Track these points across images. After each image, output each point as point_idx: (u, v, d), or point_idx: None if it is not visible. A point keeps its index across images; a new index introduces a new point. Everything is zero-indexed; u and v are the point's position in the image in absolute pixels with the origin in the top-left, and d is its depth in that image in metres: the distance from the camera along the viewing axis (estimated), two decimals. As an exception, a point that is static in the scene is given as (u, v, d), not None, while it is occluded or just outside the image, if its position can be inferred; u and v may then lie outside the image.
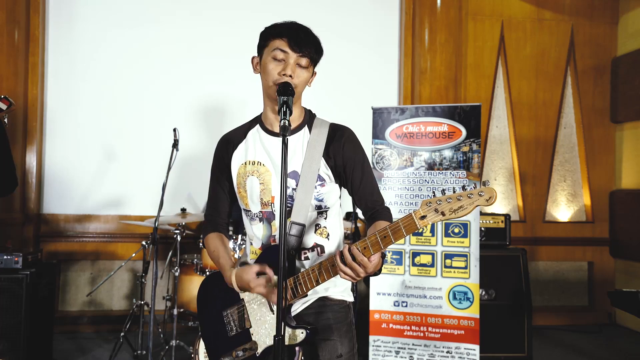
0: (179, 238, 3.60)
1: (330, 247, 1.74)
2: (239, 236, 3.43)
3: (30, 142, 4.51)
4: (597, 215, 5.19)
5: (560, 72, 5.21)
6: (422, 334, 3.27)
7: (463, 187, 1.42)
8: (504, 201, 5.14)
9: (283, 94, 1.54)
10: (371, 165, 3.33)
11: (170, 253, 3.90)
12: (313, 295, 1.71)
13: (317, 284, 1.58)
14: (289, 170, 1.68)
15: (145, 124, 4.66)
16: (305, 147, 1.70)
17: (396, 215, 3.31)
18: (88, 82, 4.64)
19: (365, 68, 4.92)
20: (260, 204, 1.73)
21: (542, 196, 5.17)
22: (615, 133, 5.25)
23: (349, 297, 1.78)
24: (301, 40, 1.64)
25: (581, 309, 5.18)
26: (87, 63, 4.65)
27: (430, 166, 3.34)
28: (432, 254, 3.30)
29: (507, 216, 4.04)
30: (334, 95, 4.63)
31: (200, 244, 3.72)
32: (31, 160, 4.51)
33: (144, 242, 3.69)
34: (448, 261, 3.27)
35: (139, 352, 3.67)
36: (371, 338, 3.34)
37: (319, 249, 1.72)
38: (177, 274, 3.55)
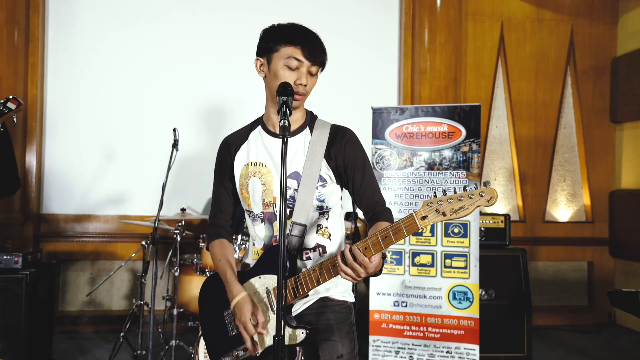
0: (178, 238, 3.60)
1: (332, 247, 1.74)
2: (239, 236, 3.43)
3: (30, 142, 4.51)
4: (597, 215, 5.19)
5: (560, 72, 5.21)
6: (421, 334, 3.27)
7: (464, 188, 1.42)
8: (504, 201, 5.14)
9: (283, 94, 1.54)
10: (371, 166, 3.34)
11: (170, 253, 3.90)
12: (314, 296, 1.71)
13: (318, 284, 1.58)
14: (290, 171, 1.68)
15: (145, 123, 4.65)
16: (307, 148, 1.71)
17: (396, 215, 3.30)
18: (88, 82, 4.64)
19: (365, 68, 4.92)
20: (262, 204, 1.74)
21: (542, 196, 5.18)
22: (615, 133, 5.25)
23: (350, 298, 1.79)
24: (315, 50, 1.65)
25: (581, 309, 5.18)
26: (87, 63, 4.65)
27: (430, 166, 3.34)
28: (432, 254, 3.30)
29: (506, 216, 4.04)
30: (334, 95, 4.62)
31: (200, 244, 3.72)
32: (31, 160, 4.51)
33: (143, 242, 3.69)
34: (448, 261, 3.27)
35: (138, 352, 3.67)
36: (371, 338, 3.34)
37: (320, 249, 1.72)
38: (177, 274, 3.55)
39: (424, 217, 1.43)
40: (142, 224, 3.79)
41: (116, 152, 4.63)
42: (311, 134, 1.73)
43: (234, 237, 3.43)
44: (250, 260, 1.80)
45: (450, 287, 3.25)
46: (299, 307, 1.71)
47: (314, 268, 1.58)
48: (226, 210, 1.86)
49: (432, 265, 3.29)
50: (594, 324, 4.96)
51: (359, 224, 3.93)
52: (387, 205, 1.77)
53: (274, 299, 1.66)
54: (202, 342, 3.11)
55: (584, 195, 5.23)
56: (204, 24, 4.75)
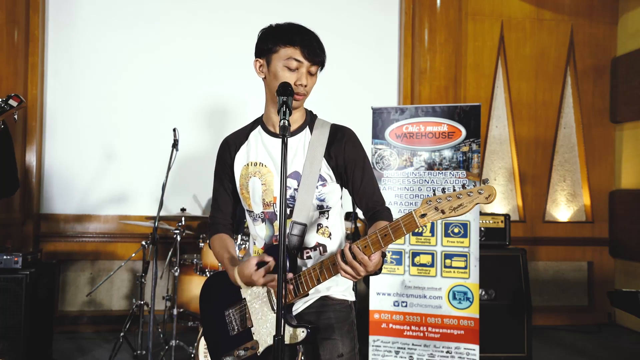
0: (178, 238, 3.60)
1: (332, 246, 1.74)
2: (239, 236, 3.43)
3: (30, 141, 4.51)
4: (597, 215, 5.19)
5: (560, 72, 5.21)
6: (421, 334, 3.27)
7: (463, 186, 1.42)
8: (504, 201, 5.15)
9: (283, 94, 1.55)
10: (371, 165, 3.34)
11: (170, 253, 3.90)
12: (315, 295, 1.71)
13: (318, 282, 1.58)
14: (290, 171, 1.69)
15: (145, 123, 4.66)
16: (307, 147, 1.71)
17: (396, 215, 3.31)
18: (88, 82, 4.64)
19: (365, 68, 4.92)
20: (263, 204, 1.74)
21: (542, 196, 5.18)
22: (615, 133, 5.25)
23: (351, 297, 1.79)
24: (314, 50, 1.65)
25: (581, 309, 5.18)
26: (87, 63, 4.65)
27: (430, 166, 3.34)
28: (432, 254, 3.30)
29: (506, 216, 4.04)
30: (333, 95, 4.62)
31: (200, 244, 3.72)
32: (31, 160, 4.51)
33: (143, 242, 3.69)
34: (448, 261, 3.27)
35: (138, 352, 3.67)
36: (371, 338, 3.34)
37: (321, 248, 1.72)
38: (176, 274, 3.55)
39: (423, 215, 1.43)
40: (142, 224, 3.79)
41: (116, 152, 4.63)
42: (311, 133, 1.73)
43: (234, 237, 3.44)
44: None
45: (450, 287, 3.25)
46: (299, 306, 1.71)
47: (314, 267, 1.59)
48: (226, 210, 1.86)
49: (432, 265, 3.29)
50: (594, 324, 4.96)
51: (358, 224, 3.94)
52: (387, 206, 1.78)
53: (274, 297, 1.66)
54: (202, 342, 3.11)
55: (584, 195, 5.23)
56: (204, 24, 4.75)
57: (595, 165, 5.21)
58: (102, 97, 4.65)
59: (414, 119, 3.40)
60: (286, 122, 1.47)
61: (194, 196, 4.66)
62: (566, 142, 5.25)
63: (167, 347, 3.52)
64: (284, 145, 1.45)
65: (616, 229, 5.11)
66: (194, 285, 3.62)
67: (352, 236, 3.70)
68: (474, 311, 3.20)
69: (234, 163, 1.80)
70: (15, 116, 2.58)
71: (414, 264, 3.32)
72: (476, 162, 3.28)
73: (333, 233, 1.75)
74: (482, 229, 3.95)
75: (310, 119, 1.78)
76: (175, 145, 3.29)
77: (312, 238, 1.72)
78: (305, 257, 1.71)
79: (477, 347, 3.18)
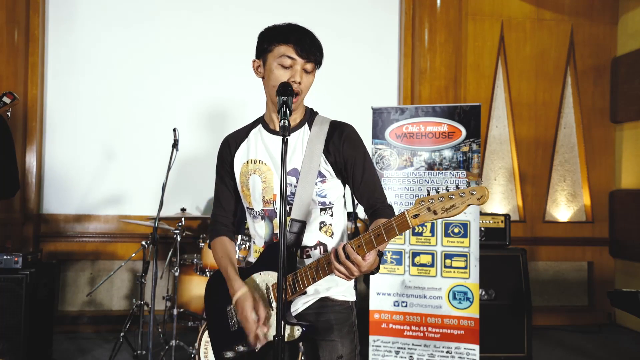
0: (178, 238, 3.60)
1: (333, 245, 1.74)
2: (239, 236, 3.42)
3: (30, 142, 4.51)
4: (597, 215, 5.19)
5: (560, 72, 5.21)
6: (422, 334, 3.27)
7: (457, 186, 1.42)
8: (504, 201, 5.15)
9: (283, 94, 1.55)
10: (372, 162, 3.34)
11: (170, 253, 3.90)
12: (315, 296, 1.71)
13: (314, 281, 1.58)
14: (289, 168, 1.68)
15: (145, 123, 4.66)
16: (305, 144, 1.71)
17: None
18: (88, 82, 4.64)
19: (365, 68, 4.92)
20: (263, 202, 1.74)
21: (542, 196, 5.18)
22: (615, 133, 5.25)
23: (352, 297, 1.78)
24: (308, 46, 1.65)
25: (581, 309, 5.18)
26: (87, 63, 4.65)
27: (430, 166, 3.34)
28: (432, 254, 3.30)
29: (507, 216, 4.04)
30: (333, 95, 4.62)
31: (200, 244, 3.71)
32: (31, 160, 4.51)
33: (143, 242, 3.68)
34: (448, 261, 3.27)
35: (138, 352, 3.67)
36: (371, 338, 3.34)
37: (321, 247, 1.71)
38: (177, 274, 3.55)
39: (415, 216, 1.43)
40: (142, 224, 3.79)
41: (116, 152, 4.63)
42: (310, 130, 1.73)
43: (234, 238, 3.43)
44: (252, 258, 1.81)
45: (450, 287, 3.25)
46: (299, 307, 1.71)
47: (310, 265, 1.59)
48: (228, 208, 1.86)
49: (432, 265, 3.29)
50: (594, 324, 4.96)
51: (359, 224, 3.94)
52: (389, 203, 1.76)
53: (272, 295, 1.67)
54: (202, 342, 3.12)
55: (584, 195, 5.23)
56: (205, 23, 4.75)
57: (595, 165, 5.21)
58: (102, 97, 4.65)
59: (414, 119, 3.40)
60: (286, 122, 1.47)
61: (194, 196, 4.66)
62: (566, 142, 5.25)
63: (167, 347, 3.52)
64: (284, 145, 1.46)
65: (616, 229, 5.11)
66: (194, 285, 3.62)
67: (352, 236, 3.68)
68: (474, 311, 3.20)
69: (234, 160, 1.81)
70: (9, 113, 2.59)
71: (414, 264, 3.32)
72: (476, 162, 3.28)
73: (335, 232, 1.75)
74: (482, 229, 3.95)
75: (310, 116, 1.78)
76: (175, 145, 3.29)
77: (314, 236, 1.71)
78: (304, 256, 1.70)
79: (477, 347, 3.18)
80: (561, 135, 5.24)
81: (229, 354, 1.73)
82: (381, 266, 3.32)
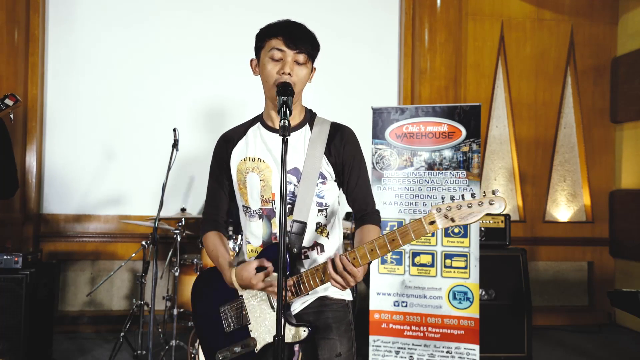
0: (178, 238, 3.60)
1: (330, 246, 1.74)
2: (239, 236, 3.42)
3: (30, 142, 4.51)
4: (597, 215, 5.19)
5: (560, 72, 5.21)
6: (422, 334, 3.26)
7: (472, 195, 1.43)
8: (504, 201, 5.14)
9: (283, 94, 1.55)
10: (371, 165, 3.34)
11: (170, 253, 3.90)
12: (312, 295, 1.71)
13: (322, 283, 1.59)
14: (289, 167, 1.68)
15: (145, 123, 4.66)
16: (307, 144, 1.71)
17: (396, 215, 3.32)
18: (88, 82, 4.64)
19: (365, 68, 4.92)
20: (261, 200, 1.73)
21: (542, 196, 5.17)
22: (615, 133, 5.25)
23: (348, 296, 1.79)
24: (296, 37, 1.65)
25: (581, 309, 5.18)
26: (87, 63, 4.65)
27: (430, 166, 3.33)
28: (432, 254, 3.30)
29: (507, 216, 4.03)
30: (334, 95, 4.63)
31: (200, 244, 3.72)
32: (31, 160, 4.51)
33: (143, 242, 3.69)
34: (448, 261, 3.27)
35: (139, 352, 3.67)
36: (371, 338, 3.33)
37: (318, 247, 1.72)
38: (177, 274, 3.55)
39: (432, 222, 1.45)
40: (142, 224, 3.79)
41: (116, 152, 4.63)
42: (311, 130, 1.73)
43: (234, 237, 3.43)
44: (247, 258, 1.79)
45: (450, 287, 3.25)
46: (297, 307, 1.71)
47: (317, 267, 1.59)
48: (221, 206, 1.85)
49: (432, 265, 3.29)
50: (594, 324, 4.96)
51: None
52: (377, 209, 1.79)
53: (273, 296, 1.66)
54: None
55: (584, 195, 5.23)
56: (205, 23, 4.75)
57: (595, 165, 5.21)
58: (103, 97, 4.65)
59: (414, 119, 3.40)
60: (286, 122, 1.47)
61: (194, 196, 4.66)
62: (566, 142, 5.25)
63: (167, 347, 3.52)
64: (284, 145, 1.45)
65: (616, 229, 5.11)
66: (194, 285, 3.62)
67: (352, 236, 3.70)
68: (474, 311, 3.20)
69: (231, 158, 1.79)
70: (11, 115, 2.59)
71: (414, 264, 3.32)
72: (476, 162, 3.28)
73: (331, 232, 1.75)
74: (482, 229, 3.95)
75: (310, 116, 1.78)
76: (175, 145, 3.29)
77: (311, 237, 1.71)
78: (303, 257, 1.70)
79: (477, 347, 3.18)
80: (561, 135, 5.24)
81: (226, 356, 1.71)
82: (381, 266, 3.34)
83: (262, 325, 1.68)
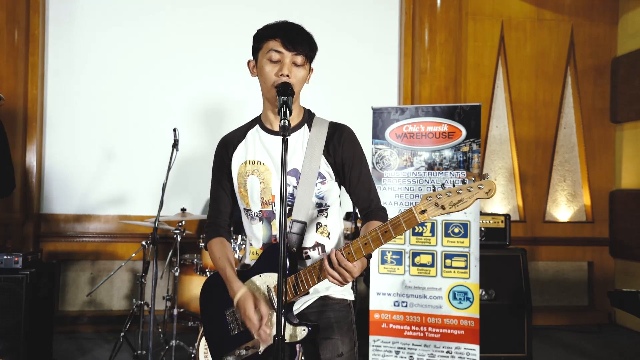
0: (179, 238, 3.60)
1: (330, 246, 1.74)
2: (239, 236, 3.42)
3: (30, 142, 4.51)
4: (597, 215, 5.19)
5: (560, 72, 5.21)
6: (422, 334, 3.26)
7: (462, 181, 1.42)
8: (504, 201, 5.14)
9: (283, 94, 1.55)
10: (371, 165, 3.34)
11: (170, 253, 3.90)
12: (314, 295, 1.71)
13: (319, 280, 1.58)
14: (289, 168, 1.68)
15: (145, 123, 4.66)
16: (305, 144, 1.71)
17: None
18: (88, 82, 4.64)
19: (365, 68, 4.92)
20: (261, 203, 1.73)
21: (542, 196, 5.17)
22: (615, 133, 5.25)
23: (350, 296, 1.79)
24: (294, 39, 1.65)
25: (581, 309, 5.18)
26: (87, 62, 4.65)
27: (430, 166, 3.34)
28: (432, 254, 3.30)
29: (507, 216, 4.03)
30: (333, 95, 4.63)
31: (201, 244, 3.72)
32: (31, 160, 4.51)
33: (144, 242, 3.68)
34: (448, 261, 3.27)
35: (139, 352, 3.67)
36: (371, 338, 3.33)
37: (319, 248, 1.72)
38: (177, 274, 3.55)
39: (423, 211, 1.44)
40: (142, 224, 3.79)
41: (116, 152, 4.63)
42: (309, 130, 1.73)
43: (234, 238, 3.44)
44: (249, 260, 1.80)
45: (450, 287, 3.25)
46: (300, 306, 1.71)
47: (314, 265, 1.59)
48: (224, 210, 1.85)
49: (432, 265, 3.29)
50: (594, 324, 4.96)
51: (358, 224, 3.93)
52: (382, 205, 1.78)
53: (274, 296, 1.66)
54: (202, 342, 3.12)
55: (584, 195, 5.23)
56: (205, 23, 4.74)
57: (596, 165, 5.21)
58: (102, 96, 4.65)
59: (414, 119, 3.40)
60: (286, 122, 1.47)
61: (194, 196, 4.66)
62: (566, 142, 5.25)
63: (167, 347, 3.52)
64: (284, 145, 1.45)
65: (616, 229, 5.11)
66: (194, 285, 3.62)
67: (352, 236, 3.70)
68: (474, 311, 3.20)
69: (232, 161, 1.79)
70: None
71: (414, 264, 3.32)
72: (476, 162, 3.28)
73: (332, 232, 1.75)
74: (483, 229, 3.95)
75: (308, 117, 1.78)
76: (175, 145, 3.29)
77: (311, 237, 1.71)
78: (304, 257, 1.71)
79: (477, 347, 3.18)
80: (561, 135, 5.24)
81: (231, 359, 1.71)
82: (381, 266, 3.34)
83: (265, 326, 1.67)
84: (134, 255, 4.00)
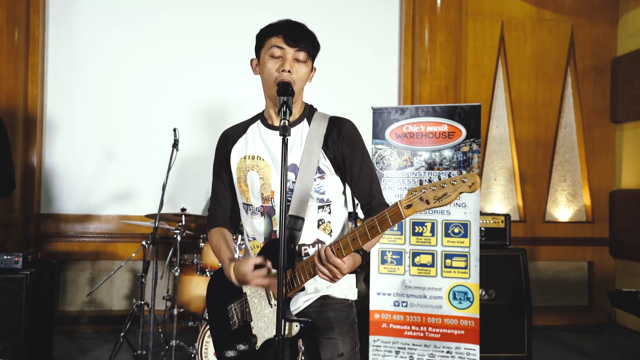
0: (179, 238, 3.60)
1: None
2: (239, 236, 3.42)
3: (31, 142, 4.51)
4: (597, 215, 5.19)
5: (560, 72, 5.21)
6: (422, 334, 3.27)
7: (448, 175, 1.42)
8: (504, 201, 5.14)
9: (283, 94, 1.54)
10: (370, 158, 3.33)
11: (170, 253, 3.90)
12: (315, 294, 1.71)
13: (311, 276, 1.58)
14: (287, 164, 1.68)
15: (145, 123, 4.65)
16: (304, 140, 1.70)
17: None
18: (88, 82, 4.64)
19: (365, 68, 4.92)
20: (261, 198, 1.73)
21: (542, 196, 5.17)
22: (615, 133, 5.25)
23: (352, 296, 1.78)
24: (296, 35, 1.65)
25: (581, 309, 5.18)
26: (87, 63, 4.65)
27: (430, 166, 3.34)
28: (432, 254, 3.30)
29: (507, 216, 4.04)
30: (333, 95, 4.62)
31: (201, 244, 3.72)
32: (31, 160, 4.51)
33: (144, 242, 3.68)
34: (448, 261, 3.27)
35: (139, 352, 3.67)
36: (371, 338, 3.34)
37: (320, 245, 1.70)
38: (177, 274, 3.55)
39: (408, 206, 1.43)
40: (143, 224, 3.79)
41: (116, 151, 4.63)
42: (309, 125, 1.72)
43: (234, 237, 3.43)
44: (252, 255, 1.79)
45: (450, 287, 3.25)
46: (300, 305, 1.71)
47: (307, 261, 1.58)
48: (225, 203, 1.86)
49: (432, 265, 3.29)
50: (594, 324, 4.96)
51: (359, 224, 3.93)
52: (385, 201, 1.76)
53: (271, 292, 1.66)
54: (203, 341, 3.12)
55: (584, 195, 5.23)
56: (206, 23, 4.74)
57: (596, 165, 5.21)
58: (102, 96, 4.64)
59: (414, 119, 3.40)
60: (286, 122, 1.46)
61: (194, 196, 4.66)
62: (566, 142, 5.25)
63: (167, 347, 3.52)
64: (284, 145, 1.45)
65: (616, 229, 5.11)
66: (194, 285, 3.62)
67: (353, 236, 3.69)
68: (474, 311, 3.20)
69: (231, 156, 1.79)
70: None
71: (414, 264, 3.32)
72: (476, 162, 3.28)
73: (334, 230, 1.74)
74: (483, 229, 3.95)
75: (309, 112, 1.77)
76: (175, 145, 3.29)
77: (312, 234, 1.70)
78: (302, 255, 1.69)
79: (477, 347, 3.18)
80: (561, 135, 5.24)
81: (231, 353, 1.73)
82: (381, 266, 3.34)
83: (261, 321, 1.68)
84: (134, 255, 4.00)
